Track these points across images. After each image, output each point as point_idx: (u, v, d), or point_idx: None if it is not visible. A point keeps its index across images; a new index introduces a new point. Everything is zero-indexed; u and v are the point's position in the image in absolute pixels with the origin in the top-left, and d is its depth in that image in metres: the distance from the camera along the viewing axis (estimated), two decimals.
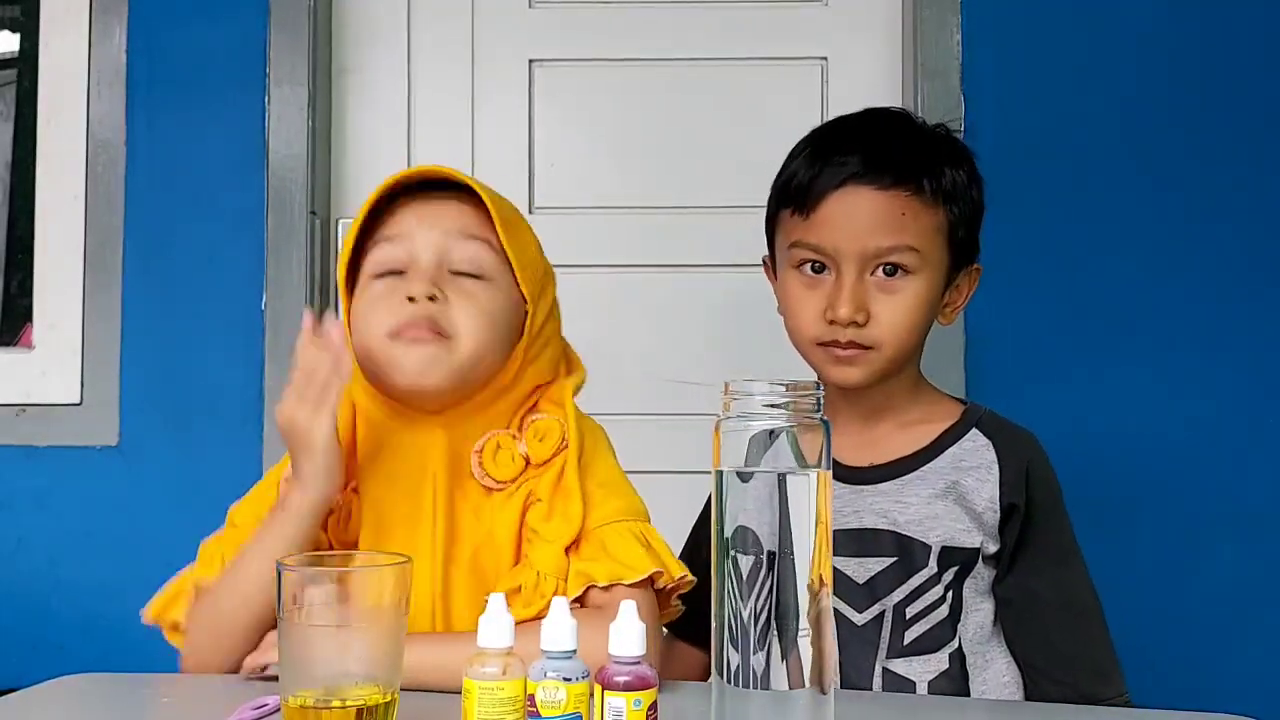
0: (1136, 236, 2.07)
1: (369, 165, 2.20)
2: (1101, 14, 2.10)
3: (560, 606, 0.88)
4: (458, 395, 1.14)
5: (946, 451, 1.31)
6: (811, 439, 0.85)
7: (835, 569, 1.24)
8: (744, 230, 2.15)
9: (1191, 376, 2.07)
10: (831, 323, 1.26)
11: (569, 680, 0.85)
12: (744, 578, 0.84)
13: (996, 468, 1.29)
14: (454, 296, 1.13)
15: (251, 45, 2.12)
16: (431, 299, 1.11)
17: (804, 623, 0.83)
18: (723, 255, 2.16)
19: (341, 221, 2.16)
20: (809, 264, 1.29)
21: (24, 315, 2.17)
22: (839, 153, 1.28)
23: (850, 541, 1.27)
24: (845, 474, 1.29)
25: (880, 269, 1.27)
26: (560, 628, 0.87)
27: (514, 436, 1.15)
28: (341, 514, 1.17)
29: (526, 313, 1.18)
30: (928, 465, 1.30)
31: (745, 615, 0.83)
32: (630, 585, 1.07)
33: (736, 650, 0.84)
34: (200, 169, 2.12)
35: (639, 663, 0.86)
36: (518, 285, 1.17)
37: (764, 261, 1.42)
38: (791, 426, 0.85)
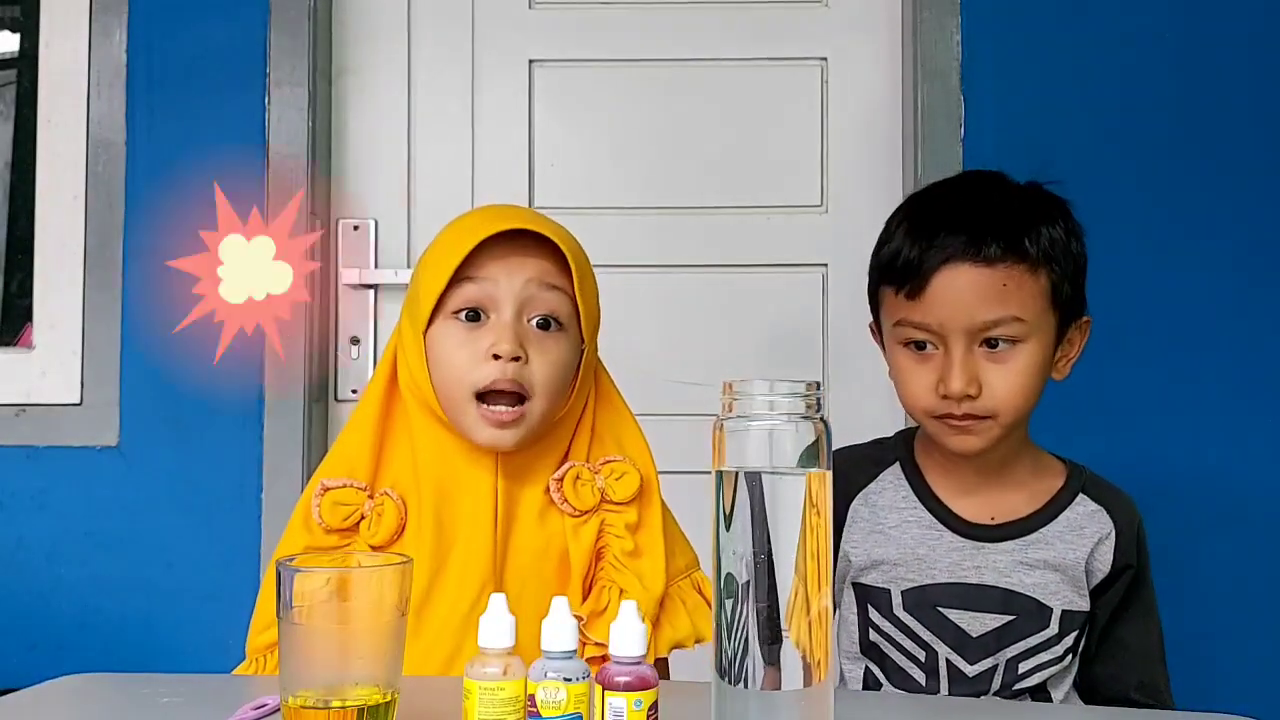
0: (1136, 237, 2.07)
1: (369, 165, 2.20)
2: (1101, 14, 2.10)
3: (561, 606, 0.88)
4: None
5: (1061, 516, 1.35)
6: (811, 439, 0.85)
7: (950, 620, 1.32)
8: (744, 230, 2.17)
9: (1190, 376, 2.07)
10: (944, 397, 1.28)
11: (569, 680, 0.85)
12: (745, 577, 0.83)
13: (1113, 535, 1.34)
14: (534, 354, 1.18)
15: (251, 45, 2.12)
16: (515, 358, 1.16)
17: (804, 623, 0.83)
18: (723, 255, 2.16)
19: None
20: (915, 342, 1.31)
21: (24, 315, 2.16)
22: (942, 230, 1.29)
23: (967, 595, 1.32)
24: (964, 529, 1.35)
25: (986, 342, 1.28)
26: (560, 628, 0.87)
27: (593, 470, 1.23)
28: (373, 517, 1.19)
29: (583, 351, 1.24)
30: (1046, 528, 1.34)
31: (746, 615, 0.83)
32: None
33: (737, 650, 0.84)
34: (200, 169, 2.12)
35: (639, 663, 0.86)
36: (579, 326, 1.22)
37: (870, 328, 1.43)
38: (792, 426, 0.85)
